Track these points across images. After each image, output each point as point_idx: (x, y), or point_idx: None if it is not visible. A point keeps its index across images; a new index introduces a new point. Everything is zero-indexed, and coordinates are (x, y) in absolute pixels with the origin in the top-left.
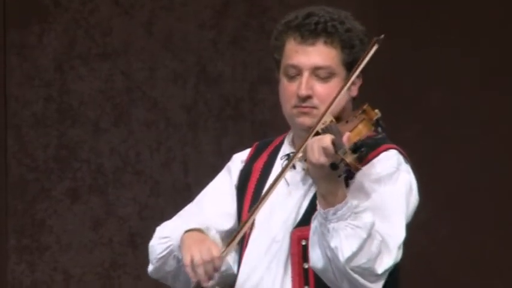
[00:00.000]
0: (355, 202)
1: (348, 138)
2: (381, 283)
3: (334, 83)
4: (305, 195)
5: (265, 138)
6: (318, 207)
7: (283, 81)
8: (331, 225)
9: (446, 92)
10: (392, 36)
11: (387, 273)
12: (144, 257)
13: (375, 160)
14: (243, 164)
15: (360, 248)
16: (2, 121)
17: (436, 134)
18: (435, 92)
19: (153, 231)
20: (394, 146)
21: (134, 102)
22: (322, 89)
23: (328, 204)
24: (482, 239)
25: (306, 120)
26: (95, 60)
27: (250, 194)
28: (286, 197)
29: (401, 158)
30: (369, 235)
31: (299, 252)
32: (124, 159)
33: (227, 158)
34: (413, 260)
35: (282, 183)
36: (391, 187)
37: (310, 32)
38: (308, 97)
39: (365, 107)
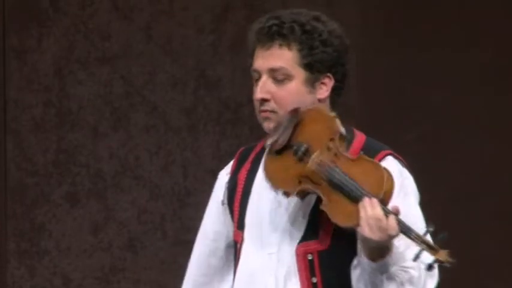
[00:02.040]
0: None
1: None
2: None
3: (292, 86)
4: (299, 206)
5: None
6: (364, 257)
7: (254, 86)
8: (384, 275)
9: (448, 95)
10: (394, 38)
11: None
12: (143, 261)
13: None
14: (229, 176)
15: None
16: (1, 125)
17: (437, 137)
18: (436, 94)
19: (153, 235)
20: (388, 150)
21: (133, 106)
22: (278, 92)
23: (380, 256)
24: (484, 241)
25: (269, 125)
26: (94, 64)
27: (238, 207)
28: (276, 207)
29: (398, 163)
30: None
31: (306, 267)
32: (123, 164)
33: (226, 162)
34: None
35: (269, 191)
36: (406, 203)
37: (265, 36)
38: (264, 100)
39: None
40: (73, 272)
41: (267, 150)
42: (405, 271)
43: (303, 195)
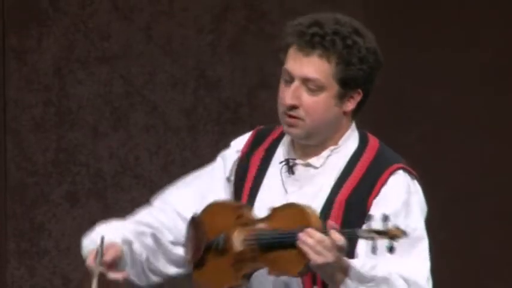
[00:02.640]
0: (358, 264)
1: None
2: None
3: (323, 97)
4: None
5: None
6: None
7: (281, 83)
8: None
9: (448, 95)
10: (394, 38)
11: None
12: None
13: (385, 188)
14: (239, 155)
15: None
16: (1, 125)
17: (437, 137)
18: (436, 94)
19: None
20: (399, 164)
21: (133, 106)
22: (309, 101)
23: (339, 282)
24: (484, 241)
25: (293, 131)
26: (94, 64)
27: (248, 190)
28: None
29: (408, 177)
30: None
31: (308, 274)
32: (123, 163)
33: None
34: None
35: (281, 192)
36: (407, 219)
37: (307, 43)
38: (293, 107)
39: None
40: (73, 272)
41: (190, 268)
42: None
43: (248, 276)
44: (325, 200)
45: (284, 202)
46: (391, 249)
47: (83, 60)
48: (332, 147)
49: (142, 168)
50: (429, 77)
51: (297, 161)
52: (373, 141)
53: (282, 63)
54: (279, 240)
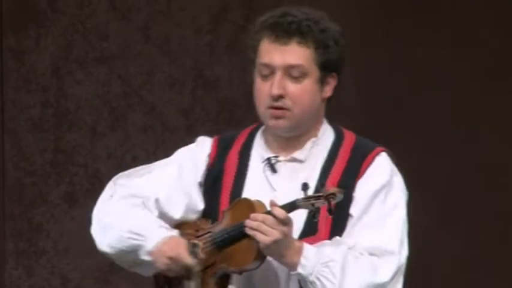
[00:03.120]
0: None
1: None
2: (399, 284)
3: (307, 83)
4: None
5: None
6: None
7: (257, 80)
8: (310, 278)
9: (448, 95)
10: (393, 38)
11: (400, 274)
12: None
13: (370, 169)
14: (209, 160)
15: (343, 275)
16: None
17: (437, 137)
18: (434, 95)
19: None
20: (382, 147)
21: (131, 106)
22: (294, 89)
23: (295, 263)
24: (484, 241)
25: (280, 123)
26: (92, 64)
27: (227, 195)
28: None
29: (390, 159)
30: (344, 261)
31: None
32: (121, 164)
33: None
34: (410, 264)
35: (268, 189)
36: (388, 195)
37: (284, 31)
38: (280, 96)
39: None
40: (71, 272)
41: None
42: (326, 266)
43: (224, 279)
44: (314, 189)
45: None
46: (330, 211)
47: (81, 61)
48: (313, 139)
49: None
50: (429, 77)
51: (280, 158)
52: (349, 132)
53: (252, 61)
54: (230, 235)
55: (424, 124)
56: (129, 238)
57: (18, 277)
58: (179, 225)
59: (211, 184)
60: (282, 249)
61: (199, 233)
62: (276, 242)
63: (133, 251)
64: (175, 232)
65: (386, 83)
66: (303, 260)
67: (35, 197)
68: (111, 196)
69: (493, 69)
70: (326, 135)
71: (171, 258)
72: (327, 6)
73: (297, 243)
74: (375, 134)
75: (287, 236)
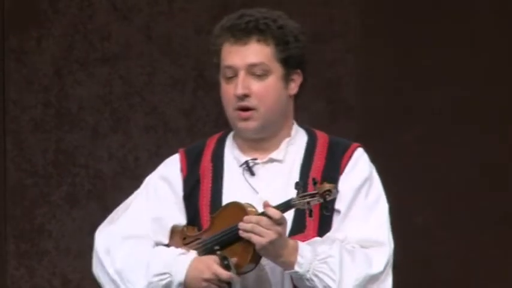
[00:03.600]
0: (305, 247)
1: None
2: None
3: (271, 81)
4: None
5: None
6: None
7: (223, 84)
8: (308, 275)
9: (447, 95)
10: (393, 38)
11: (390, 265)
12: None
13: (350, 164)
14: (183, 174)
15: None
16: (0, 126)
17: (437, 137)
18: (435, 94)
19: None
20: (356, 143)
21: (133, 107)
22: (259, 87)
23: (291, 261)
24: (486, 240)
25: (249, 125)
26: (94, 65)
27: (207, 201)
28: (258, 205)
29: (366, 155)
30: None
31: None
32: (123, 164)
33: None
34: (412, 264)
35: (249, 192)
36: (371, 188)
37: (242, 32)
38: (245, 96)
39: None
40: (72, 273)
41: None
42: (324, 262)
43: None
44: (302, 188)
45: (257, 202)
46: (326, 208)
47: (82, 61)
48: (287, 139)
49: (142, 169)
50: (429, 77)
51: (258, 161)
52: (320, 132)
53: (217, 66)
54: (223, 239)
55: (424, 124)
56: (159, 281)
57: (20, 277)
58: (173, 232)
59: (189, 194)
60: (278, 249)
61: (187, 241)
62: (271, 243)
63: None
64: (193, 253)
65: (386, 82)
66: (299, 259)
67: (36, 198)
68: (108, 251)
69: (494, 69)
70: (299, 134)
71: (208, 280)
72: (328, 6)
73: (292, 242)
74: (375, 133)
75: (282, 235)
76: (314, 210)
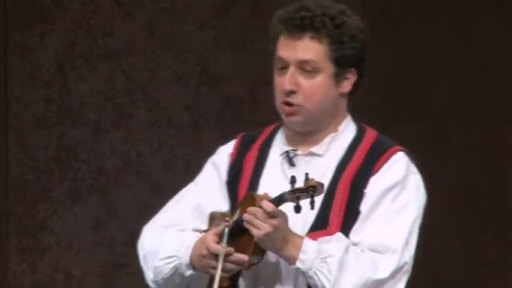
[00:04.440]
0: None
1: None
2: (400, 283)
3: (320, 79)
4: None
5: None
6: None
7: (275, 74)
8: (310, 273)
9: (448, 92)
10: (393, 34)
11: (401, 272)
12: None
13: (385, 166)
14: (230, 158)
15: (340, 271)
16: (3, 122)
17: (438, 134)
18: (436, 91)
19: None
20: (399, 147)
21: (135, 102)
22: (306, 85)
23: (294, 257)
24: (486, 240)
25: (293, 119)
26: (96, 60)
27: (245, 189)
28: None
29: (407, 159)
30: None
31: None
32: (125, 160)
33: None
34: (416, 262)
35: (285, 182)
36: (401, 193)
37: (297, 27)
38: (292, 92)
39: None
40: (74, 268)
41: None
42: (324, 261)
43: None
44: (329, 181)
45: None
46: (311, 204)
47: (85, 57)
48: (333, 134)
49: (145, 165)
50: (430, 76)
51: (298, 152)
52: (371, 130)
53: (272, 54)
54: (235, 229)
55: (426, 123)
56: (165, 265)
57: (22, 273)
58: (211, 218)
59: (232, 180)
60: (277, 242)
61: (215, 224)
62: (267, 236)
63: (175, 273)
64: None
65: (386, 82)
66: (301, 255)
67: (38, 193)
68: (142, 239)
69: (494, 69)
70: (347, 131)
71: (204, 256)
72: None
73: (296, 238)
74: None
75: (279, 229)
76: (340, 209)
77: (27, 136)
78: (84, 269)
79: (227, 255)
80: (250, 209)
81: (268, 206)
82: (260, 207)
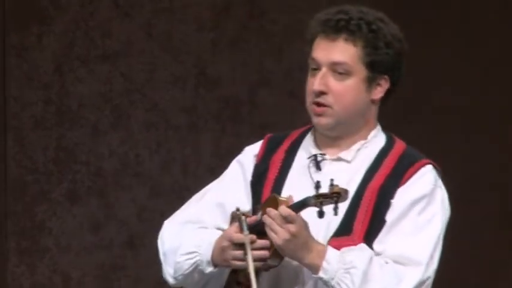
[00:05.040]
0: (333, 253)
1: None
2: None
3: (351, 82)
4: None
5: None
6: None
7: (309, 75)
8: (332, 283)
9: (449, 92)
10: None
11: (423, 286)
12: (143, 259)
13: (414, 178)
14: (256, 159)
15: (364, 282)
16: (1, 123)
17: (439, 135)
18: (437, 92)
19: (153, 232)
20: (429, 160)
21: (133, 104)
22: (337, 86)
23: (317, 265)
24: (486, 239)
25: (322, 120)
26: (95, 62)
27: (269, 191)
28: None
29: (436, 173)
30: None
31: None
32: (123, 161)
33: (226, 160)
34: None
35: (310, 186)
36: (428, 206)
37: (332, 29)
38: (322, 93)
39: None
40: (73, 270)
41: None
42: (347, 272)
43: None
44: (356, 188)
45: None
46: (335, 210)
47: (83, 58)
48: (362, 141)
49: (143, 166)
50: (429, 77)
51: (326, 156)
52: (400, 141)
53: (307, 56)
54: (255, 230)
55: (425, 124)
56: (186, 260)
57: (21, 274)
58: (233, 218)
59: (257, 181)
60: (297, 250)
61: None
62: (286, 243)
63: (195, 269)
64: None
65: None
66: (325, 264)
67: (37, 195)
68: (162, 235)
69: (494, 69)
70: (377, 139)
71: (226, 248)
72: (329, 5)
73: (319, 246)
74: None
75: (297, 236)
76: (365, 217)
77: (26, 137)
78: (83, 270)
79: (251, 242)
80: (270, 211)
81: (284, 211)
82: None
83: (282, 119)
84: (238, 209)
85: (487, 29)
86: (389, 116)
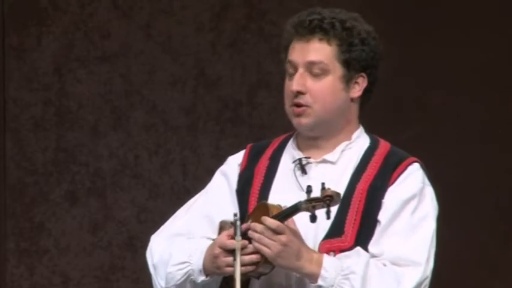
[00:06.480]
0: (329, 259)
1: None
2: None
3: (328, 81)
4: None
5: (264, 141)
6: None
7: (286, 79)
8: None
9: (447, 93)
10: (393, 36)
11: (422, 286)
12: (142, 260)
13: (402, 177)
14: (240, 168)
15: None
16: (0, 124)
17: (437, 135)
18: (436, 92)
19: (153, 233)
20: (415, 158)
21: (133, 105)
22: (315, 86)
23: (315, 274)
24: (483, 240)
25: (302, 121)
26: (94, 63)
27: (255, 198)
28: None
29: (423, 171)
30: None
31: None
32: (123, 163)
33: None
34: None
35: (296, 190)
36: (419, 205)
37: (306, 29)
38: (300, 93)
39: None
40: (72, 271)
41: None
42: (347, 278)
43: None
44: (344, 189)
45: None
46: (327, 214)
47: (83, 59)
48: (346, 142)
49: (142, 168)
50: (429, 77)
51: (311, 160)
52: (384, 141)
53: (283, 62)
54: (247, 237)
55: (424, 124)
56: (177, 271)
57: (20, 276)
58: (221, 227)
59: (242, 190)
60: (292, 260)
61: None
62: (279, 255)
63: (187, 279)
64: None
65: (386, 82)
66: (323, 272)
67: (36, 196)
68: (150, 248)
69: (494, 69)
70: (361, 140)
71: (218, 256)
72: (323, 6)
73: (315, 255)
74: (374, 132)
75: (288, 246)
76: (356, 218)
77: (25, 138)
78: (82, 271)
79: (242, 248)
80: (255, 226)
81: (272, 223)
82: (264, 224)
83: (281, 120)
84: (235, 214)
85: (491, 30)
86: (387, 115)
